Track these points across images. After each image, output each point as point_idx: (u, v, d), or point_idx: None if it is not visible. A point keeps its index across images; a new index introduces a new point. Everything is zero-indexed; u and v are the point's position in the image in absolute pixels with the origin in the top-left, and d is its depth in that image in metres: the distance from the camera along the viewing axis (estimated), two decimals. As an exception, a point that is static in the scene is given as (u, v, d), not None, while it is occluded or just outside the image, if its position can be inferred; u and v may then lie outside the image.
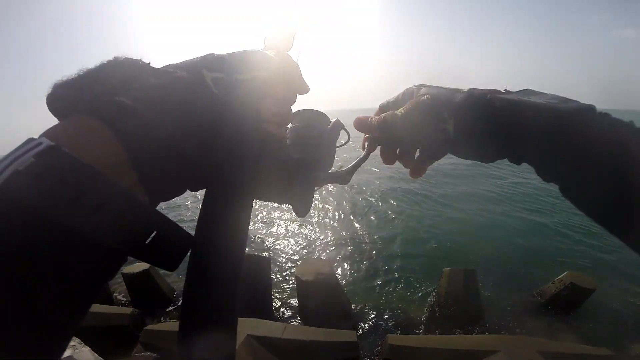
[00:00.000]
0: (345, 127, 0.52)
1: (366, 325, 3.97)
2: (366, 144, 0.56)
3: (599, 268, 5.33)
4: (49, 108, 0.28)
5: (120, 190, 0.25)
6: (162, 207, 0.34)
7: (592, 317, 3.99)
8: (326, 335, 3.02)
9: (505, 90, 0.43)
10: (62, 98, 0.27)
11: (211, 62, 0.33)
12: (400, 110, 0.49)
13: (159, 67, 0.32)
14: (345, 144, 0.54)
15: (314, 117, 0.49)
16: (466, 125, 0.43)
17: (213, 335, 0.30)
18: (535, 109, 0.38)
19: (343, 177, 0.49)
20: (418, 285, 4.88)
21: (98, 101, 0.27)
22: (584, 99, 0.38)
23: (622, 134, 0.35)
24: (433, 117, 0.45)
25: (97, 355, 1.74)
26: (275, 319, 4.07)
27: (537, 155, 0.40)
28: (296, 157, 0.45)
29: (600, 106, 0.36)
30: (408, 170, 0.55)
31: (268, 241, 6.70)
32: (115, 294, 4.73)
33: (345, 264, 5.66)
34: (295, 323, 4.02)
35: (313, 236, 6.90)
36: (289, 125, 0.48)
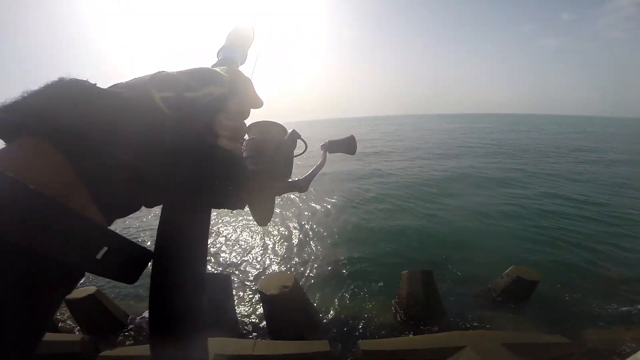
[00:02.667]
0: (302, 136, 0.54)
1: (337, 333, 3.97)
2: (322, 152, 0.59)
3: (542, 260, 5.86)
4: None
5: (65, 209, 0.26)
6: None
7: (543, 307, 4.35)
8: (298, 347, 2.98)
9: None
10: (5, 122, 0.27)
11: (160, 81, 0.34)
12: None
13: (105, 87, 0.32)
14: (302, 153, 0.56)
15: (270, 129, 0.50)
16: None
17: (183, 343, 0.32)
18: None
19: (301, 186, 0.50)
20: (380, 289, 5.01)
21: (43, 123, 0.27)
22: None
23: None
24: None
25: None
26: (243, 336, 3.93)
27: None
28: (253, 169, 0.46)
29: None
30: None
31: (227, 258, 6.50)
32: (61, 323, 4.30)
33: (309, 275, 5.65)
34: (264, 339, 3.90)
35: (273, 249, 6.81)
36: (245, 138, 0.49)
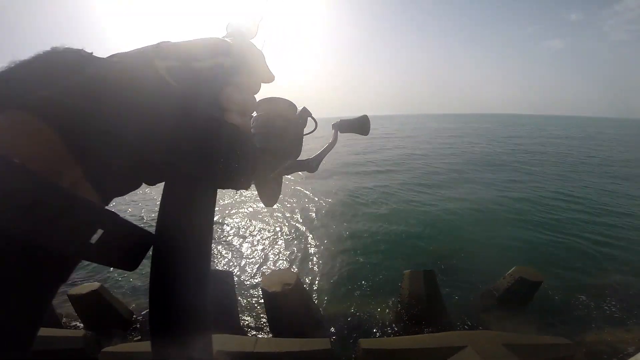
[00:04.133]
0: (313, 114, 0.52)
1: (338, 331, 3.99)
2: (333, 131, 0.56)
3: (545, 261, 5.83)
4: None
5: (52, 186, 0.23)
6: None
7: (544, 308, 4.35)
8: (300, 345, 2.98)
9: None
10: None
11: (164, 50, 0.31)
12: None
13: (103, 57, 0.30)
14: (312, 131, 0.54)
15: (280, 106, 0.48)
16: None
17: (186, 341, 0.30)
18: None
19: (310, 166, 0.49)
20: (382, 288, 5.01)
21: (32, 95, 0.25)
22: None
23: None
24: None
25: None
26: (245, 333, 3.95)
27: None
28: (261, 147, 0.44)
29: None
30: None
31: (229, 255, 6.52)
32: (65, 318, 4.34)
33: (311, 273, 5.66)
34: (265, 336, 3.91)
35: (275, 247, 6.82)
36: (254, 115, 0.47)
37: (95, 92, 0.26)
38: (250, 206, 8.89)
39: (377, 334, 3.93)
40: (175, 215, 0.31)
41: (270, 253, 6.54)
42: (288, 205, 9.06)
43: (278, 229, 7.60)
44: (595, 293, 4.76)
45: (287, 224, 7.86)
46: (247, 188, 0.41)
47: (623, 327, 3.98)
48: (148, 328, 0.30)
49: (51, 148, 0.24)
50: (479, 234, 7.08)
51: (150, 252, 0.30)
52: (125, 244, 0.28)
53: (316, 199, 9.74)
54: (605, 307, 4.43)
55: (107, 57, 0.30)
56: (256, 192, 0.47)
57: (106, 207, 0.28)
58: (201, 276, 0.31)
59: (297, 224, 7.83)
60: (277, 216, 8.23)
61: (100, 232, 0.25)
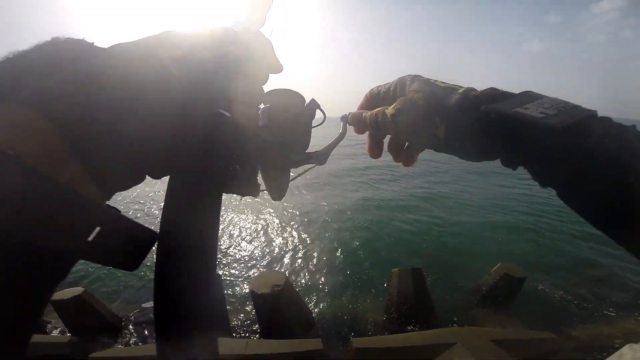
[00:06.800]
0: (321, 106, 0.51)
1: (329, 331, 4.00)
2: (341, 123, 0.55)
3: (528, 257, 5.97)
4: None
5: (49, 182, 0.22)
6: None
7: (529, 304, 4.46)
8: (292, 346, 2.97)
9: (502, 92, 0.41)
10: None
11: (168, 40, 0.30)
12: (390, 110, 0.47)
13: (104, 47, 0.29)
14: (321, 123, 0.53)
15: (288, 97, 0.46)
16: (457, 133, 0.41)
17: (192, 338, 0.29)
18: (532, 127, 0.36)
19: (319, 158, 0.48)
20: (372, 288, 5.04)
21: (29, 87, 0.24)
22: None
23: (622, 140, 0.33)
24: (424, 121, 0.43)
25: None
26: (234, 336, 3.90)
27: (533, 166, 0.38)
28: (270, 140, 0.43)
29: None
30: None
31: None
32: (49, 324, 4.21)
33: (301, 273, 5.65)
34: (256, 338, 3.89)
35: (263, 248, 6.77)
36: (261, 106, 0.45)
37: (96, 83, 0.25)
38: (236, 207, 8.80)
39: (369, 332, 3.95)
40: (180, 212, 0.29)
41: (258, 254, 6.50)
42: (274, 204, 9.01)
43: (265, 229, 7.54)
44: (580, 287, 4.92)
45: (274, 224, 7.82)
46: (254, 195, 0.39)
47: (607, 321, 4.11)
48: (148, 329, 0.28)
49: (48, 142, 0.23)
50: (465, 231, 7.21)
51: (152, 253, 0.29)
52: (126, 243, 0.27)
53: (303, 195, 9.73)
54: (589, 301, 4.58)
55: (109, 47, 0.29)
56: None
57: (107, 203, 0.28)
58: (207, 275, 0.30)
59: (284, 224, 7.79)
60: (265, 218, 8.17)
61: (97, 229, 0.24)
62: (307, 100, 0.49)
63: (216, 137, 0.31)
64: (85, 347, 3.36)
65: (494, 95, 0.40)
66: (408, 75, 0.49)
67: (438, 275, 5.23)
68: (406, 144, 0.52)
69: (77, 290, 3.93)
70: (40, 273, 0.23)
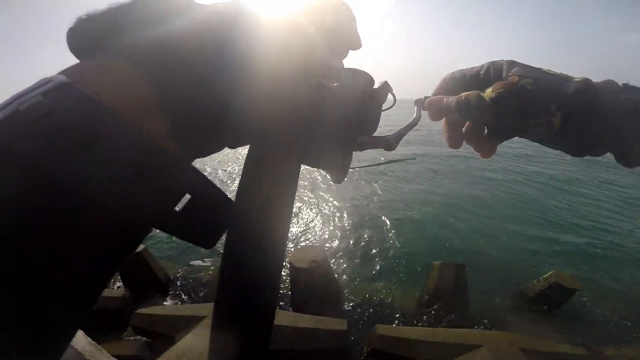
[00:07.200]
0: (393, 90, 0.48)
1: (356, 314, 4.06)
2: (415, 107, 0.51)
3: (586, 268, 5.47)
4: (68, 46, 0.24)
5: (141, 137, 0.20)
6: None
7: (574, 317, 4.13)
8: (317, 322, 3.06)
9: (624, 84, 0.38)
10: (85, 34, 0.23)
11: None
12: (488, 93, 0.41)
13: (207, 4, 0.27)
14: (391, 107, 0.49)
15: (358, 77, 0.43)
16: (580, 122, 0.38)
17: (250, 336, 0.28)
18: None
19: (389, 143, 0.44)
20: (407, 277, 4.97)
21: (128, 39, 0.23)
22: None
23: None
24: (535, 108, 0.40)
25: (90, 339, 1.76)
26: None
27: None
28: (338, 119, 0.41)
29: None
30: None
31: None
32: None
33: (339, 253, 5.71)
34: (285, 309, 4.08)
35: (309, 223, 6.91)
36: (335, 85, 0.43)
37: (196, 38, 0.24)
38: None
39: (395, 321, 3.95)
40: (255, 186, 0.28)
41: (302, 229, 6.65)
42: (326, 184, 9.05)
43: (314, 207, 7.65)
44: (630, 308, 4.40)
45: (323, 202, 7.89)
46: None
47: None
48: (212, 320, 0.28)
49: (141, 95, 0.22)
50: (516, 234, 6.68)
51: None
52: (209, 215, 0.24)
53: (358, 180, 9.62)
54: (635, 324, 4.10)
55: (210, 5, 0.27)
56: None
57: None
58: (277, 266, 0.29)
59: (332, 203, 7.83)
60: (315, 194, 8.27)
61: (187, 197, 0.22)
62: (380, 82, 0.46)
63: (319, 109, 0.30)
64: (134, 303, 3.70)
65: (613, 85, 0.38)
66: (502, 60, 0.45)
67: (480, 274, 4.97)
68: (485, 133, 0.48)
69: (139, 247, 4.28)
70: (116, 246, 0.21)
